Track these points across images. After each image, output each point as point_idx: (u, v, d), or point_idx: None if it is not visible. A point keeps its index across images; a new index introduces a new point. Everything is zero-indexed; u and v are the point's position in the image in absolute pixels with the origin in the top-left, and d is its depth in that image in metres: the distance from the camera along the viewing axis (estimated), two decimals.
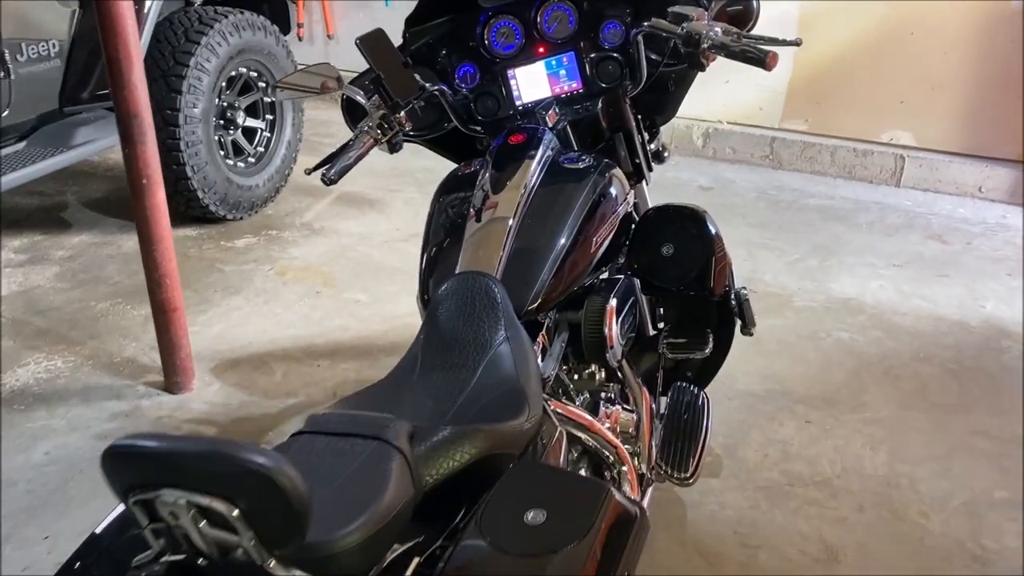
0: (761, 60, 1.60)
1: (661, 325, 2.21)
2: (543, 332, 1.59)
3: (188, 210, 3.68)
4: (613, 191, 1.69)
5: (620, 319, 1.64)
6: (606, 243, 1.67)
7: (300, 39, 5.61)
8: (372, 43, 1.67)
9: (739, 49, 1.64)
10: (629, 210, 1.84)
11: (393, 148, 1.72)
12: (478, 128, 1.96)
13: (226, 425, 2.54)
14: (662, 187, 4.51)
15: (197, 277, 3.39)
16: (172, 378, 2.66)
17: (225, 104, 3.70)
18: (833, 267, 3.60)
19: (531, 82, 1.92)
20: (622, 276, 1.77)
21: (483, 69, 1.91)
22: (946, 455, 2.47)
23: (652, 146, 2.16)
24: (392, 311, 3.13)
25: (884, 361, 2.94)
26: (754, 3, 1.94)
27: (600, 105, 1.92)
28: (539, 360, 1.48)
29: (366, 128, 1.67)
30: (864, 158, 4.51)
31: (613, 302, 1.59)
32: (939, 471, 2.40)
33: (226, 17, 3.53)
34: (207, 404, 2.64)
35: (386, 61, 1.69)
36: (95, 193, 4.18)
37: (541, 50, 1.90)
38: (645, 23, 1.78)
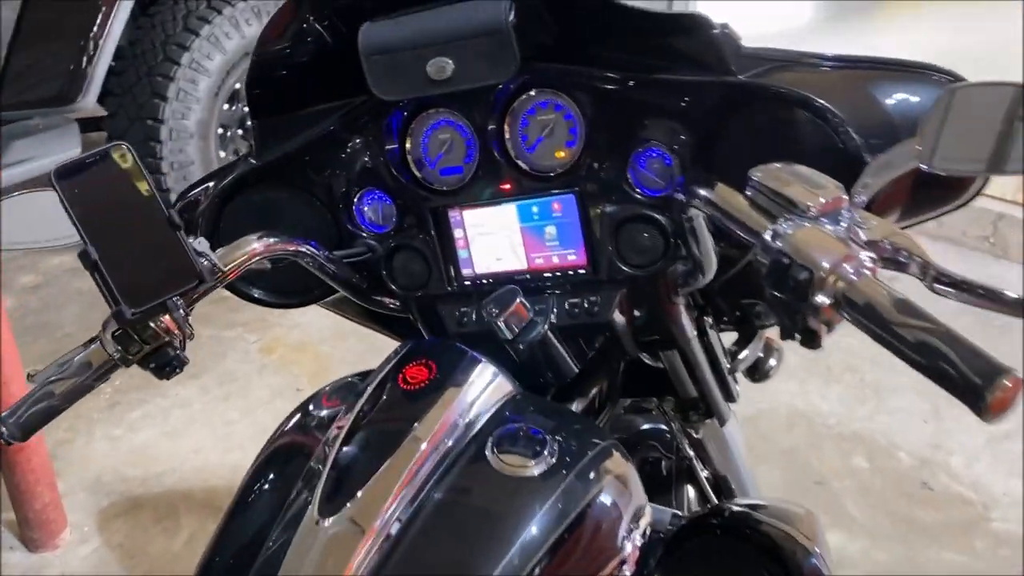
0: (976, 393, 0.53)
1: None
2: None
3: None
4: (597, 519, 0.83)
5: None
6: None
7: None
8: (88, 183, 0.81)
9: (914, 342, 0.57)
10: (641, 540, 0.88)
11: (164, 371, 0.85)
12: (394, 303, 1.10)
13: None
14: None
15: None
16: (27, 532, 1.88)
17: (242, 110, 2.87)
18: None
19: (491, 239, 0.99)
20: None
21: (404, 202, 1.03)
22: None
23: (745, 355, 1.23)
24: None
25: None
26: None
27: (619, 301, 0.98)
28: None
29: (98, 343, 0.84)
30: None
31: None
32: None
33: (244, 0, 2.67)
34: None
35: (123, 220, 0.82)
36: None
37: (507, 186, 0.92)
38: (700, 191, 0.82)
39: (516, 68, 0.89)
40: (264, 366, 2.55)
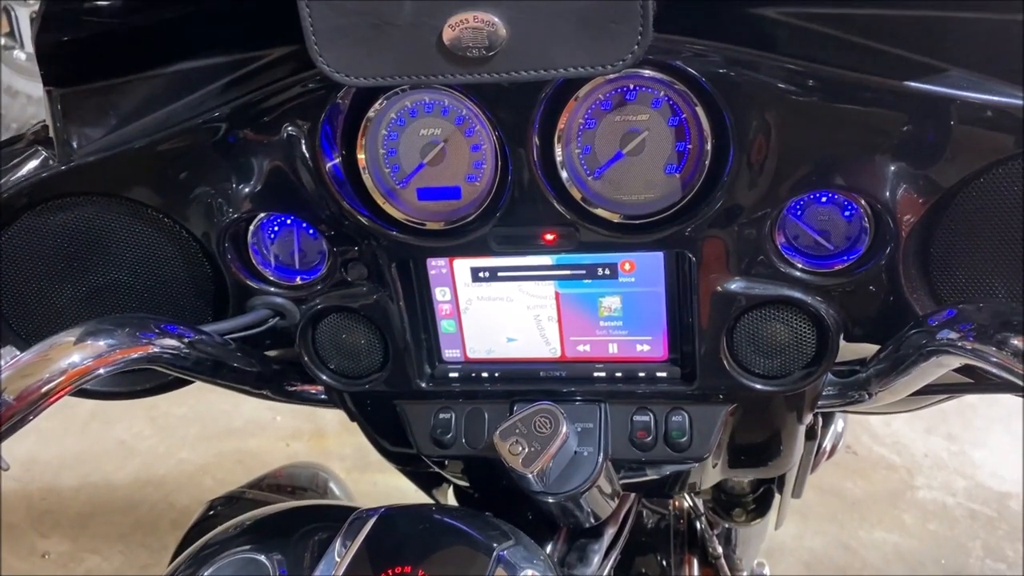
0: None
1: None
2: None
3: None
4: None
5: None
6: None
7: None
8: None
9: None
10: None
11: None
12: (317, 394, 0.76)
13: None
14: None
15: None
16: None
17: None
18: None
19: (499, 308, 0.68)
20: None
21: (341, 235, 0.65)
22: None
23: (827, 444, 0.99)
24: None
25: None
26: None
27: (721, 426, 0.67)
28: None
29: None
30: None
31: None
32: None
33: None
34: None
35: None
36: None
37: (547, 232, 0.59)
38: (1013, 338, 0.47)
39: (644, 51, 0.45)
40: None
